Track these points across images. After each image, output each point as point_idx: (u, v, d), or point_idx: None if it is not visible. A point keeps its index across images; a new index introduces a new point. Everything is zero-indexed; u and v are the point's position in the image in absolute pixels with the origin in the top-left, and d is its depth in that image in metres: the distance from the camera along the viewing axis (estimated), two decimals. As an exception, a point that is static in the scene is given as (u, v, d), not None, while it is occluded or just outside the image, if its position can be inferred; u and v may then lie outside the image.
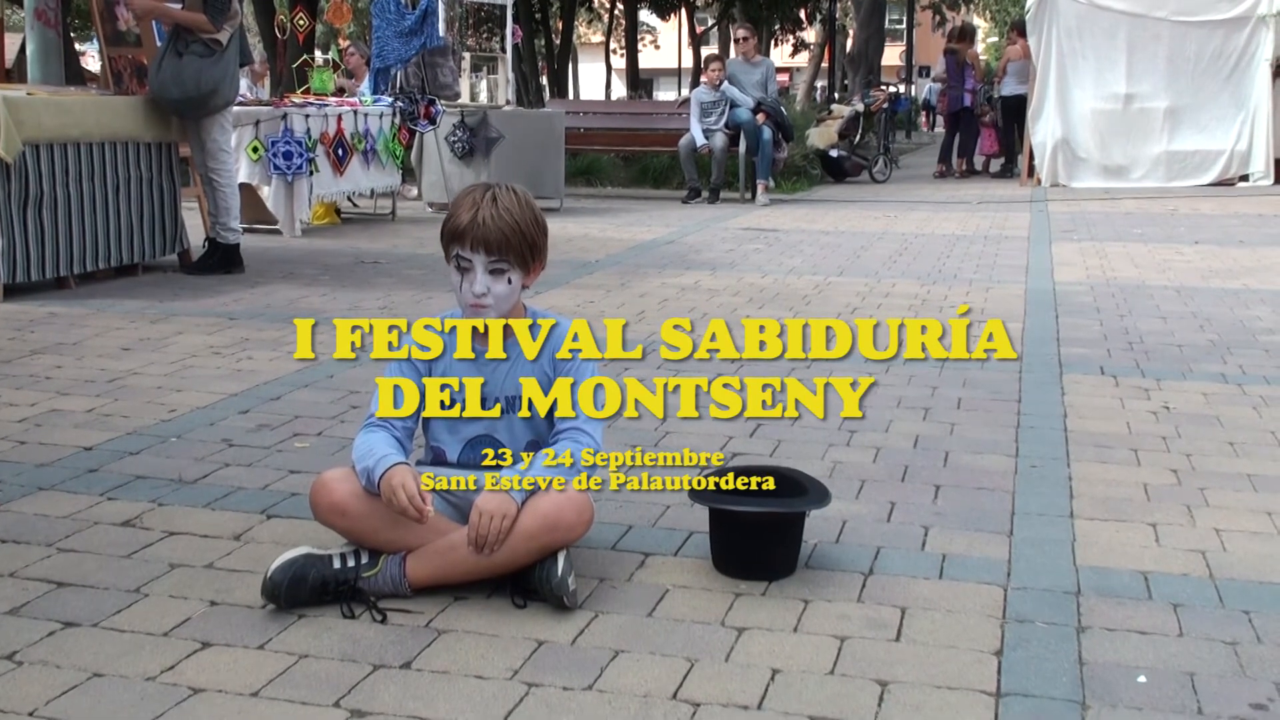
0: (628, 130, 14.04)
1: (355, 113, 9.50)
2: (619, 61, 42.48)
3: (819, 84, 42.39)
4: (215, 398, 4.26)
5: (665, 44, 56.94)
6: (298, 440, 3.76)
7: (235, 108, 7.43)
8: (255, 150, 8.72)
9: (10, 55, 19.49)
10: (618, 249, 8.49)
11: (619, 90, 45.81)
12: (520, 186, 2.80)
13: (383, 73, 10.21)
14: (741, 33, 13.53)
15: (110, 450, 3.61)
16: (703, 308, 6.16)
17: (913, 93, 46.33)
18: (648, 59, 54.00)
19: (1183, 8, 14.27)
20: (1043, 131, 14.84)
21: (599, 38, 49.03)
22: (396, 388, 2.77)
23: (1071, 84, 14.74)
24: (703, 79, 12.84)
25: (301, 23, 10.34)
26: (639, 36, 40.92)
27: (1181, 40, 14.37)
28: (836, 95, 29.23)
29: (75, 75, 11.43)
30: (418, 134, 10.43)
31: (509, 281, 2.70)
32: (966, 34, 17.40)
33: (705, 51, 46.40)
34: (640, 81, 42.97)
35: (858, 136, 16.68)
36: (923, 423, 4.07)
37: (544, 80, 28.98)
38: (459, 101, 10.75)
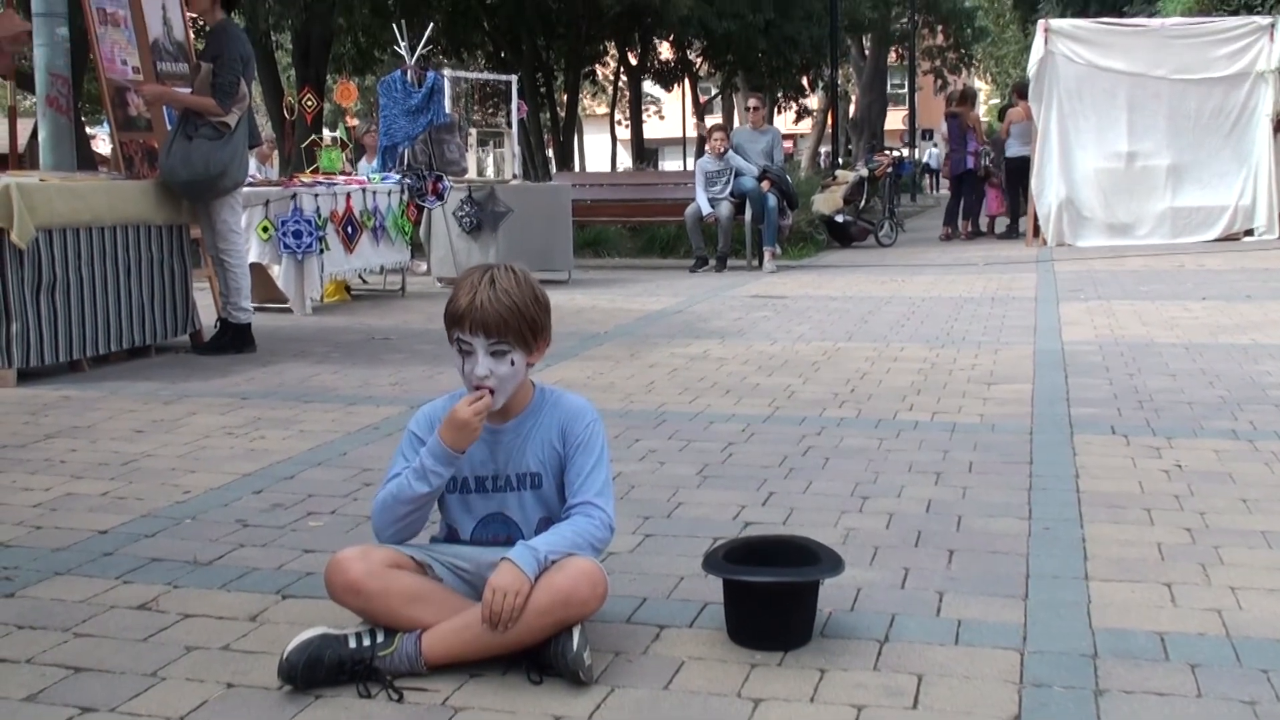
0: (634, 201, 14.16)
1: (364, 190, 9.60)
2: (624, 132, 42.77)
3: (823, 150, 42.75)
4: (229, 478, 4.27)
5: (670, 114, 57.45)
6: (312, 519, 3.77)
7: (245, 188, 7.51)
8: (265, 230, 8.80)
9: (22, 141, 19.75)
10: (626, 320, 8.54)
11: (624, 161, 46.18)
12: (520, 266, 2.83)
13: (390, 150, 10.32)
14: (752, 102, 13.67)
15: (125, 533, 3.62)
16: (712, 377, 6.18)
17: (916, 156, 46.74)
18: (652, 129, 54.49)
19: (1181, 66, 14.41)
20: (1047, 192, 14.93)
21: (604, 109, 49.42)
22: (408, 461, 2.78)
23: (1074, 144, 14.85)
24: (707, 148, 12.95)
25: (309, 103, 10.47)
26: (643, 107, 41.35)
27: (1181, 98, 14.50)
28: (840, 161, 29.40)
29: (87, 160, 11.58)
30: (426, 210, 10.52)
31: (511, 363, 2.72)
32: (968, 97, 17.55)
33: (709, 121, 46.95)
34: (645, 152, 43.33)
35: (863, 201, 16.78)
36: (935, 487, 4.07)
37: (550, 153, 29.17)
38: (466, 177, 10.85)
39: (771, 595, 2.72)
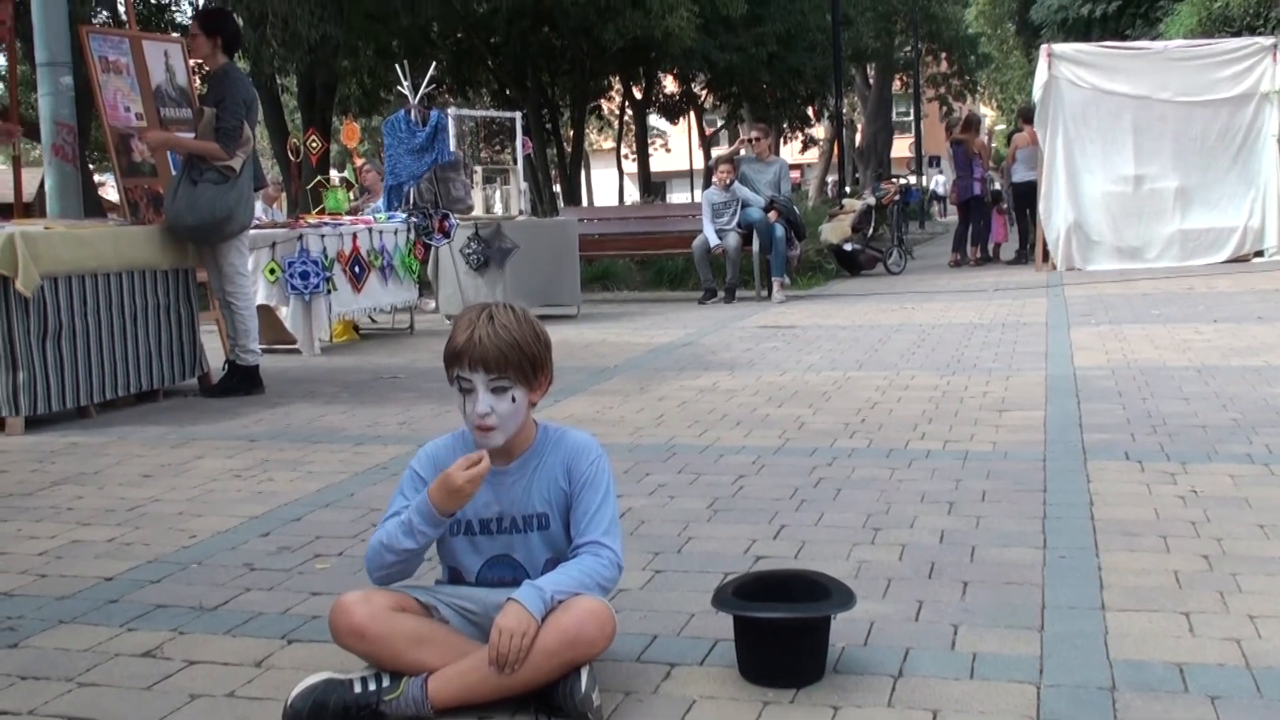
0: (642, 234, 14.17)
1: (370, 230, 9.61)
2: (631, 165, 42.87)
3: (830, 178, 42.80)
4: (236, 520, 4.25)
5: (676, 146, 57.63)
6: (319, 562, 3.74)
7: (251, 230, 7.51)
8: (272, 272, 8.81)
9: (29, 191, 19.86)
10: (635, 353, 8.51)
11: (632, 194, 46.26)
12: (520, 304, 2.81)
13: (396, 189, 10.34)
14: (755, 133, 13.69)
15: (131, 579, 3.60)
16: (722, 409, 6.15)
17: (923, 183, 46.78)
18: (659, 162, 54.64)
19: (1186, 88, 14.40)
20: (1055, 216, 14.91)
21: (610, 144, 49.58)
22: (408, 500, 2.76)
23: (1081, 168, 14.84)
24: (714, 179, 12.96)
25: (314, 145, 10.50)
26: (650, 140, 41.47)
27: (1187, 120, 14.49)
28: (848, 189, 29.41)
29: (94, 207, 11.59)
30: (433, 248, 10.53)
31: (513, 399, 2.69)
32: (972, 124, 17.56)
33: (715, 152, 47.02)
34: (653, 185, 43.44)
35: (870, 230, 16.77)
36: (948, 517, 4.03)
37: (557, 189, 29.24)
38: (472, 214, 10.86)
39: (782, 631, 2.69)
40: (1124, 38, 24.35)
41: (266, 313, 8.91)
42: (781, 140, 42.04)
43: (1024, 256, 16.86)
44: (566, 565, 2.66)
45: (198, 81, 8.46)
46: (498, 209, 11.66)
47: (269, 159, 21.52)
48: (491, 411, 2.68)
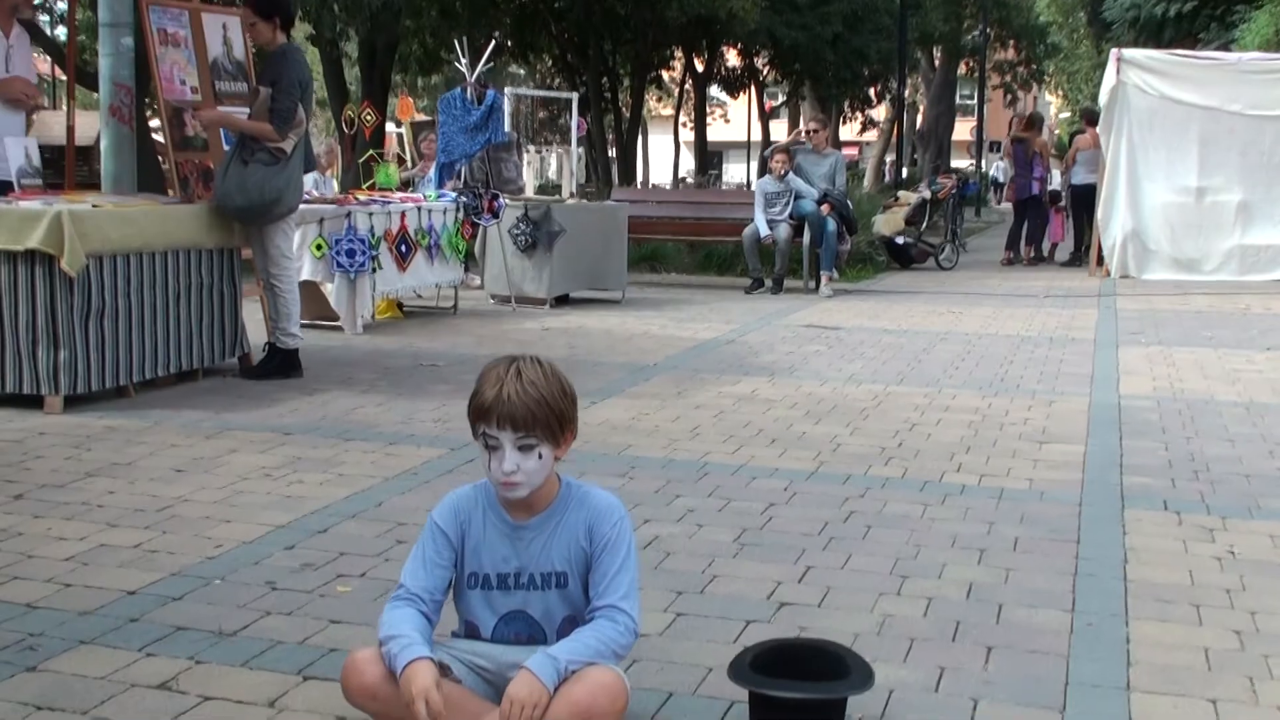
0: (692, 219, 14.08)
1: (419, 209, 9.59)
2: (689, 134, 42.65)
3: (888, 158, 42.43)
4: (262, 530, 4.25)
5: (735, 117, 57.26)
6: (340, 584, 3.73)
7: (300, 206, 7.48)
8: (319, 248, 8.82)
9: (88, 136, 19.98)
10: (676, 350, 8.47)
11: (687, 162, 46.06)
12: (545, 358, 2.77)
13: (447, 167, 10.32)
14: (813, 125, 13.58)
15: (153, 595, 3.60)
16: (758, 422, 6.10)
17: (983, 167, 46.30)
18: (717, 132, 54.36)
19: (1257, 102, 14.12)
20: (1113, 223, 14.70)
21: (669, 111, 49.37)
22: (428, 558, 2.74)
23: (1142, 176, 14.61)
24: (769, 168, 12.85)
25: (369, 118, 10.48)
26: (709, 110, 41.25)
27: (1256, 134, 14.22)
28: (904, 173, 29.15)
29: (152, 170, 11.59)
30: (481, 227, 10.51)
31: (539, 457, 2.65)
32: (1034, 123, 17.32)
33: (774, 127, 46.70)
34: (709, 155, 43.24)
35: (925, 223, 16.61)
36: (977, 567, 3.98)
37: (612, 154, 29.16)
38: (523, 195, 10.83)
39: (797, 709, 2.65)
40: (1197, 40, 23.96)
41: (311, 289, 8.92)
42: (842, 120, 41.78)
43: (1078, 259, 16.65)
44: (582, 631, 2.63)
45: (255, 56, 8.44)
46: (552, 173, 11.61)
47: (324, 126, 21.51)
48: (518, 469, 2.64)
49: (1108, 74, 14.93)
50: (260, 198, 6.85)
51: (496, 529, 2.76)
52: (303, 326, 7.65)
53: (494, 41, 10.57)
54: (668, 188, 36.68)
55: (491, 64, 10.14)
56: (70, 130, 8.27)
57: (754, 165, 53.32)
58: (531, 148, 11.79)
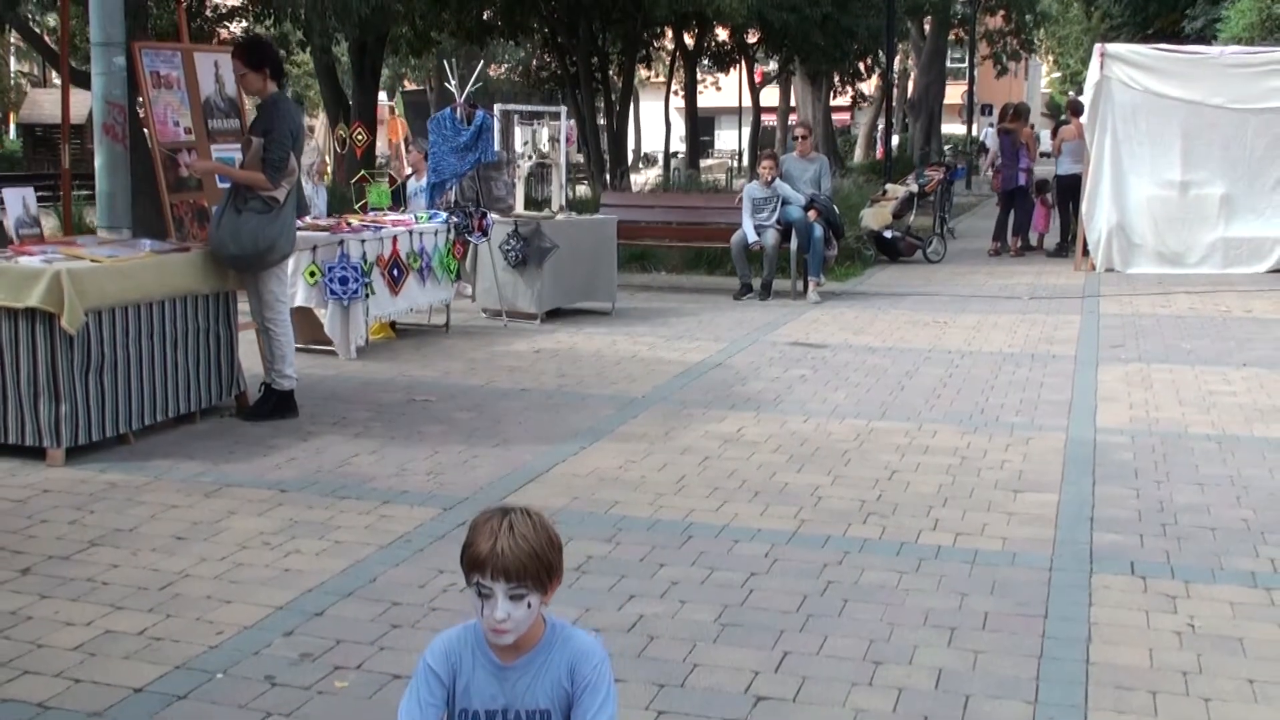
0: (681, 224, 14.20)
1: (410, 232, 9.72)
2: (681, 100, 42.60)
3: (880, 125, 42.40)
4: (262, 613, 4.41)
5: (726, 84, 57.16)
6: (337, 678, 3.90)
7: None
8: (312, 274, 8.94)
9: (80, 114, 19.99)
10: (664, 377, 8.61)
11: (679, 127, 46.03)
12: (535, 510, 2.91)
13: (438, 187, 10.42)
14: (799, 131, 13.71)
15: (159, 693, 3.77)
16: (742, 471, 6.26)
17: (974, 132, 46.27)
18: (709, 99, 54.30)
19: (1240, 95, 14.25)
20: (1098, 217, 14.85)
21: (660, 79, 49.29)
22: (422, 699, 2.89)
23: (1127, 170, 14.76)
24: (757, 173, 12.96)
25: (360, 138, 10.58)
26: (700, 79, 41.24)
27: (1239, 128, 14.36)
28: (895, 140, 29.21)
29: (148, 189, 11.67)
30: (472, 244, 10.64)
31: (528, 605, 2.81)
32: (1020, 114, 17.42)
33: (766, 94, 46.65)
34: (701, 122, 43.25)
35: (912, 216, 16.73)
36: (947, 650, 4.15)
37: (604, 141, 29.17)
38: (513, 213, 10.95)
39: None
40: (1184, 15, 24.03)
41: (305, 313, 9.06)
42: (832, 93, 41.77)
43: (1064, 249, 16.80)
44: (564, 775, 2.79)
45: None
46: (544, 145, 11.67)
47: (323, 140, 21.55)
48: (508, 617, 2.79)
49: (1091, 69, 15.06)
50: (254, 246, 6.98)
51: (485, 669, 2.92)
52: (297, 350, 7.80)
53: (480, 63, 10.66)
54: (658, 172, 36.78)
55: (480, 84, 10.20)
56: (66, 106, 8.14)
57: (745, 133, 53.51)
58: (518, 130, 11.82)
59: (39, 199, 22.64)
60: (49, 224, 13.12)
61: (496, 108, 10.94)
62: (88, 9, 10.42)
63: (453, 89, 10.27)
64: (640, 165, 53.57)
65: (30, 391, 6.28)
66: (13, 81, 49.74)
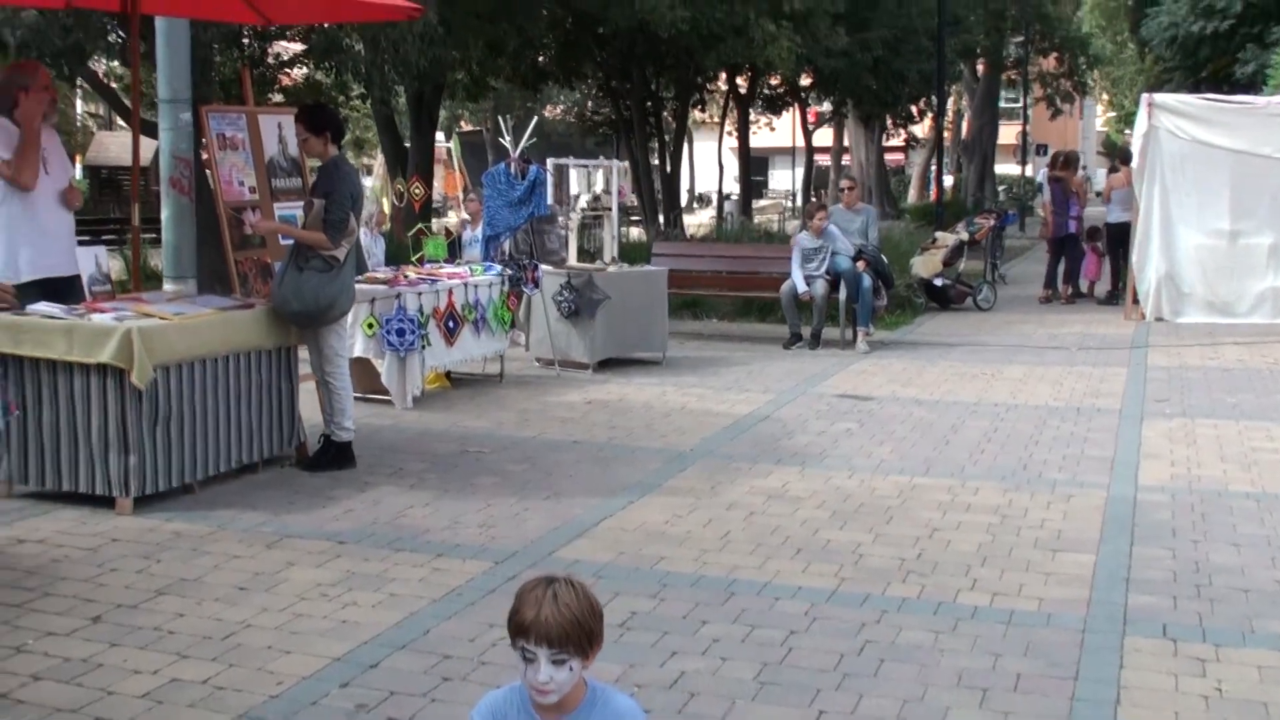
0: (730, 274, 14.41)
1: (465, 284, 9.97)
2: (734, 139, 42.92)
3: (932, 168, 42.48)
4: (319, 663, 4.62)
5: (780, 124, 57.52)
6: (392, 731, 4.09)
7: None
8: (370, 327, 9.20)
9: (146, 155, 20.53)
10: (713, 429, 8.78)
11: (732, 167, 46.31)
12: (578, 580, 3.10)
13: (493, 240, 10.68)
14: (845, 183, 13.91)
15: (223, 745, 3.98)
16: (786, 528, 6.41)
17: (1028, 172, 46.18)
18: (763, 139, 54.61)
19: (1287, 145, 14.28)
20: (1148, 267, 14.91)
21: (716, 117, 49.67)
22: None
23: (1176, 219, 14.82)
24: (807, 225, 13.13)
25: (417, 191, 10.88)
26: (754, 118, 41.60)
27: (1287, 178, 14.38)
28: (950, 181, 29.35)
29: (210, 225, 12.03)
30: (526, 295, 10.89)
31: (570, 669, 2.99)
32: (1070, 162, 17.52)
33: (820, 136, 46.90)
34: (754, 162, 43.53)
35: (962, 263, 16.84)
36: (978, 710, 4.28)
37: (657, 184, 29.47)
38: (566, 265, 11.19)
39: None
40: (1234, 60, 24.02)
41: (363, 364, 9.32)
42: (884, 135, 41.96)
43: (1115, 297, 16.84)
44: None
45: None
46: (599, 186, 11.91)
47: (382, 188, 22.00)
48: (551, 680, 2.98)
49: (1139, 118, 15.15)
50: (315, 304, 7.25)
51: (528, 728, 3.11)
52: (355, 399, 8.04)
53: (535, 118, 10.93)
54: (712, 213, 37.03)
55: (534, 139, 10.47)
56: (135, 148, 8.31)
57: (799, 173, 53.81)
58: (574, 172, 12.05)
59: (106, 242, 23.26)
60: (115, 266, 13.53)
61: (549, 162, 11.21)
62: (155, 61, 10.88)
63: (507, 144, 10.55)
64: (694, 206, 53.96)
65: (101, 443, 6.56)
66: (79, 123, 50.87)
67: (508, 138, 10.57)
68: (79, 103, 47.80)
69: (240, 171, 8.12)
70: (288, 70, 19.97)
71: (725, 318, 15.27)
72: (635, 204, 30.80)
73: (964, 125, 48.18)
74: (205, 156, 8.59)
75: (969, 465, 7.79)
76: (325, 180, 7.37)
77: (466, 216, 13.20)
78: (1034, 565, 5.85)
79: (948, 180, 35.78)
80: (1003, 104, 51.20)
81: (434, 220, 19.80)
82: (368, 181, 12.62)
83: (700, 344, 13.25)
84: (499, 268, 10.47)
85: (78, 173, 38.74)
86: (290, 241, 7.58)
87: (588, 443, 8.36)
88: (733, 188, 46.41)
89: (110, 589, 5.43)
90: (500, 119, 11.07)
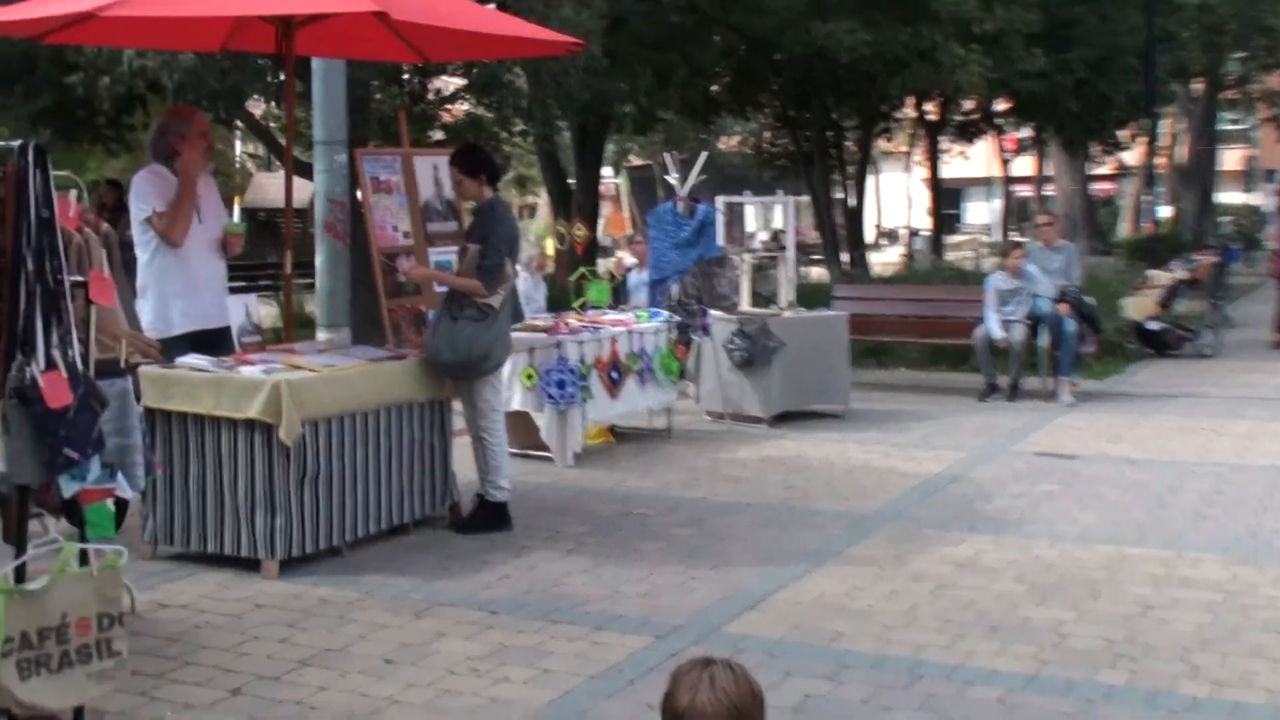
0: (919, 319, 14.17)
1: (630, 332, 9.99)
2: (923, 169, 42.45)
3: (1145, 198, 41.34)
4: (468, 746, 4.61)
5: (975, 153, 56.72)
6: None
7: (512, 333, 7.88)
8: (529, 377, 9.27)
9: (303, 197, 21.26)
10: (898, 491, 8.60)
11: (922, 199, 45.81)
12: (738, 663, 3.02)
13: (659, 284, 10.70)
14: (1043, 218, 13.61)
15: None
16: (979, 602, 6.22)
17: (1255, 201, 44.57)
18: (956, 169, 53.87)
19: None
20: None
21: (903, 145, 49.28)
22: None
23: None
24: (1006, 262, 12.84)
25: (580, 233, 10.97)
26: (945, 147, 41.05)
27: None
28: (1166, 211, 28.45)
29: (365, 268, 12.34)
30: (695, 342, 10.86)
31: (728, 756, 2.91)
32: (1304, 190, 16.83)
33: (1018, 165, 46.10)
34: (946, 194, 42.94)
35: (1180, 304, 16.29)
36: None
37: (839, 220, 29.30)
38: (738, 310, 11.14)
39: None
40: None
41: (521, 417, 9.39)
42: (1090, 163, 40.96)
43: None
44: None
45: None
46: (776, 223, 11.83)
47: (544, 231, 22.35)
48: (707, 771, 2.91)
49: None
50: (469, 354, 7.33)
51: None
52: (512, 455, 8.08)
53: (704, 154, 10.93)
54: (901, 250, 36.60)
55: (705, 176, 10.48)
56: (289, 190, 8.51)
57: (996, 206, 52.88)
58: (749, 209, 11.99)
59: (263, 288, 23.84)
60: (269, 313, 13.93)
61: (718, 200, 11.20)
62: (311, 102, 11.21)
63: (674, 182, 10.58)
64: (881, 243, 53.47)
65: (247, 503, 6.70)
66: (238, 164, 52.84)
67: (674, 175, 10.59)
68: (238, 143, 49.61)
69: (394, 216, 8.28)
70: (448, 107, 20.45)
71: (914, 366, 15.04)
72: (816, 242, 30.62)
73: (1183, 150, 46.82)
74: (361, 199, 8.80)
75: (1188, 534, 7.47)
76: (481, 224, 7.47)
77: (633, 260, 13.25)
78: (1264, 650, 5.56)
79: (1164, 211, 34.78)
80: (1224, 126, 49.63)
81: (599, 261, 19.95)
82: (532, 224, 12.74)
83: (885, 395, 13.05)
84: (666, 314, 10.47)
85: (235, 215, 40.08)
86: (445, 288, 7.68)
87: (761, 505, 8.26)
88: (923, 222, 45.89)
89: (252, 658, 5.52)
90: (667, 155, 11.10)
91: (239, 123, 19.43)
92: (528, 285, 12.73)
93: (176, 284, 7.40)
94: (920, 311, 14.33)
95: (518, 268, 11.50)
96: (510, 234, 7.46)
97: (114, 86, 14.22)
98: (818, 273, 25.49)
